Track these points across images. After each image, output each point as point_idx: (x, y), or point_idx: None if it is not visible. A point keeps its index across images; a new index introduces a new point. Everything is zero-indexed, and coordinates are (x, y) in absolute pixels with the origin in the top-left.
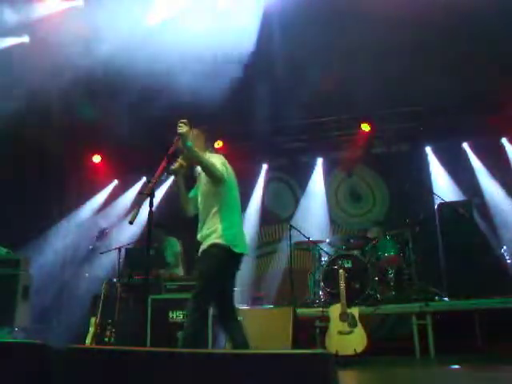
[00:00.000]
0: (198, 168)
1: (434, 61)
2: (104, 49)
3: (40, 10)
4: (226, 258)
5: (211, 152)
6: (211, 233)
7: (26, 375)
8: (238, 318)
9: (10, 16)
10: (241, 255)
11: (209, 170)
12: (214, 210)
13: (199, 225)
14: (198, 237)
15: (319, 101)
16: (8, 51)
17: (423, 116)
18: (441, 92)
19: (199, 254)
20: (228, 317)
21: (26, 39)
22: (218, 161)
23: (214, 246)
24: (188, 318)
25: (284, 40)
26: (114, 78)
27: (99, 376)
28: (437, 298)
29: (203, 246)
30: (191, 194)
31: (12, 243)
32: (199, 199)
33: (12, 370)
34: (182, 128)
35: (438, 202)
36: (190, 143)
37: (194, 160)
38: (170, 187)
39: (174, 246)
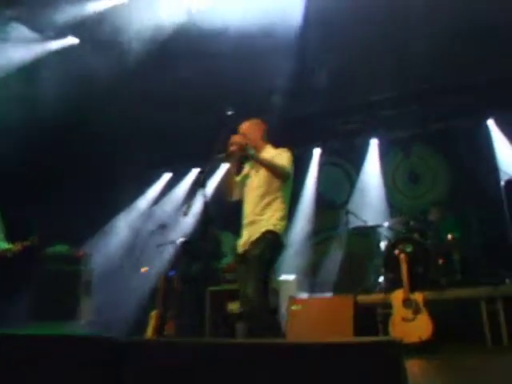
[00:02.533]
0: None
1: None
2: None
3: (87, 9)
4: (278, 247)
5: (268, 144)
6: (265, 220)
7: (92, 368)
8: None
9: (60, 17)
10: (284, 248)
11: (276, 171)
12: (270, 198)
13: (247, 211)
14: (245, 222)
15: (371, 78)
16: (59, 52)
17: (484, 87)
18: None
19: (249, 240)
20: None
21: (75, 40)
22: (286, 158)
23: (269, 232)
24: (251, 299)
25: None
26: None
27: (166, 369)
28: (508, 281)
29: (255, 234)
30: (238, 178)
31: (73, 240)
32: (250, 185)
33: (79, 362)
34: (236, 147)
35: (504, 178)
36: (252, 152)
37: (258, 163)
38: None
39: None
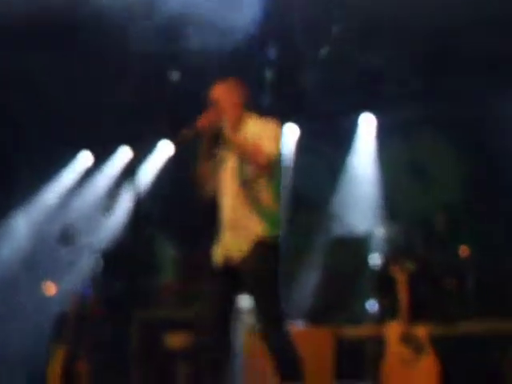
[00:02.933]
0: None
1: None
2: None
3: None
4: (279, 255)
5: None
6: (256, 222)
7: None
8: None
9: None
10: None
11: (257, 162)
12: (257, 190)
13: (227, 208)
14: (227, 223)
15: (363, 38)
16: None
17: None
18: None
19: (240, 249)
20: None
21: None
22: (273, 138)
23: (273, 237)
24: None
25: None
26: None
27: None
28: None
29: (247, 241)
30: (212, 164)
31: None
32: (228, 172)
33: None
34: (204, 121)
35: None
36: (224, 131)
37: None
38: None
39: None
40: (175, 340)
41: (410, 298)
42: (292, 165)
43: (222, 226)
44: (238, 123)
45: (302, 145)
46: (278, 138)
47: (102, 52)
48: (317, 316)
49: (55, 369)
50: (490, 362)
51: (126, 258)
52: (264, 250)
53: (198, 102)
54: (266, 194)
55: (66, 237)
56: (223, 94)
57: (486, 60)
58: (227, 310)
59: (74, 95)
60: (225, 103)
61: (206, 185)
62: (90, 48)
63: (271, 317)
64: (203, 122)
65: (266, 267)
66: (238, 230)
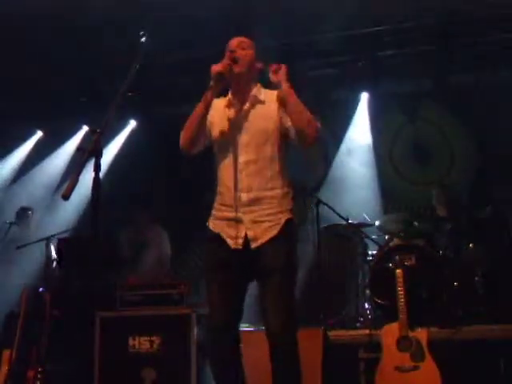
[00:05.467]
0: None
1: None
2: None
3: None
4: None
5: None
6: (277, 200)
7: None
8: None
9: None
10: None
11: (309, 125)
12: (279, 164)
13: (242, 182)
14: (241, 197)
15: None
16: None
17: None
18: None
19: (257, 232)
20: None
21: None
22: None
23: (290, 222)
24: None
25: None
26: None
27: None
28: None
29: (265, 222)
30: (211, 121)
31: None
32: (238, 137)
33: None
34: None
35: None
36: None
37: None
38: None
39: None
40: (140, 343)
41: (409, 298)
42: None
43: (231, 203)
44: (248, 85)
45: None
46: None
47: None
48: (304, 317)
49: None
50: (498, 371)
51: (86, 249)
52: (288, 240)
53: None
54: (285, 173)
55: (27, 219)
56: (247, 45)
57: None
58: (236, 300)
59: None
60: (246, 56)
61: (193, 141)
62: None
63: (282, 318)
64: (219, 66)
65: (286, 263)
66: (257, 210)
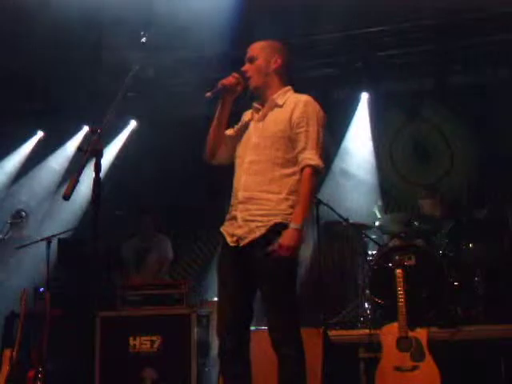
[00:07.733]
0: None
1: None
2: None
3: None
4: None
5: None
6: (273, 202)
7: None
8: None
9: None
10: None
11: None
12: (286, 171)
13: (241, 182)
14: (239, 197)
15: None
16: None
17: None
18: None
19: (246, 232)
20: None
21: None
22: (315, 132)
23: (280, 225)
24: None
25: None
26: None
27: None
28: None
29: (254, 222)
30: (229, 132)
31: None
32: (249, 143)
33: None
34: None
35: None
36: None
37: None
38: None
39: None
40: (141, 343)
41: (409, 298)
42: None
43: (233, 204)
44: (268, 92)
45: None
46: (320, 131)
47: None
48: (302, 317)
49: (2, 375)
50: (498, 371)
51: (87, 250)
52: (272, 237)
53: None
54: (292, 181)
55: (25, 220)
56: (262, 51)
57: None
58: (241, 300)
59: None
60: (260, 63)
61: (213, 151)
62: None
63: (283, 323)
64: (229, 80)
65: (272, 260)
66: (250, 208)
